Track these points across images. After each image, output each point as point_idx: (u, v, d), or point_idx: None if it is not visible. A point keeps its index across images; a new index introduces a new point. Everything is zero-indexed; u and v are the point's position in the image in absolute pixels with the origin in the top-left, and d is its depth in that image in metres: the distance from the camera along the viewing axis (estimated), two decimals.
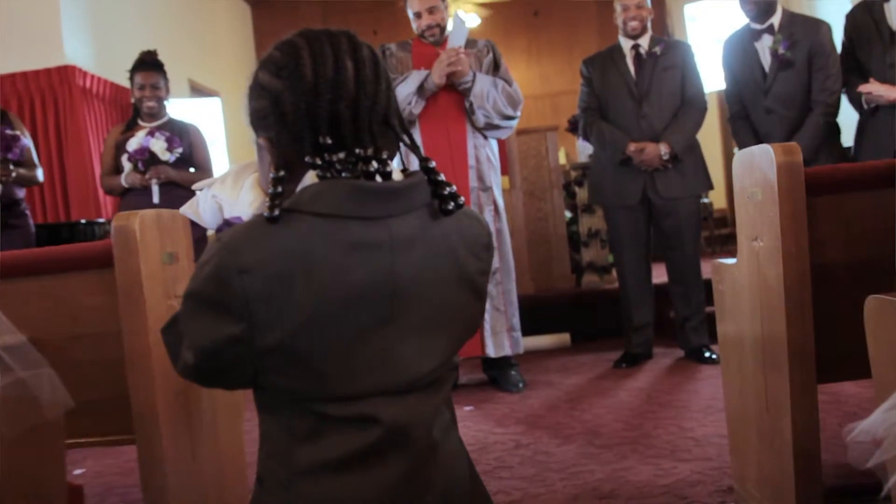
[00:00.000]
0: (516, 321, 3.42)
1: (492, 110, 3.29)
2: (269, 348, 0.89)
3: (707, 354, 3.62)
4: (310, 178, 0.94)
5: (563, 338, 4.38)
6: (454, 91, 3.32)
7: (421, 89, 3.27)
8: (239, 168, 1.25)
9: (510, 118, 3.36)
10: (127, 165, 3.51)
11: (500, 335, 3.34)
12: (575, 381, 3.49)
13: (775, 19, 3.33)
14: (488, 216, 3.36)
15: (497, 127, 3.35)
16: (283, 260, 0.87)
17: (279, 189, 0.90)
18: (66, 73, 5.38)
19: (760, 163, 1.60)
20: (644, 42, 3.61)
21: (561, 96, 9.69)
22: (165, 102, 3.69)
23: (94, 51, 5.75)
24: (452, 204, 0.97)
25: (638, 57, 3.59)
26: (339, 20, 9.09)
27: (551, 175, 4.73)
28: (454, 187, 0.99)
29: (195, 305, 0.91)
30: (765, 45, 3.34)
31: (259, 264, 0.87)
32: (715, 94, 6.60)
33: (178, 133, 3.60)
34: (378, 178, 0.93)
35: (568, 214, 4.87)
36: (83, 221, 4.65)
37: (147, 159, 3.46)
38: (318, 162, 0.91)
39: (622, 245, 3.71)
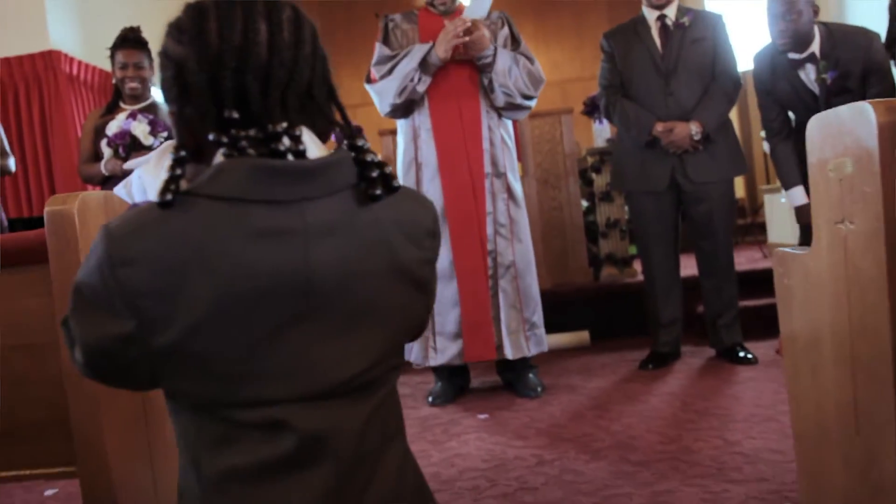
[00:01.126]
0: (538, 317, 3.11)
1: (513, 88, 2.98)
2: (165, 349, 0.79)
3: (742, 354, 3.31)
4: (220, 159, 0.83)
5: (582, 336, 4.07)
6: (466, 65, 3.01)
7: (424, 64, 2.96)
8: (165, 146, 1.07)
9: (530, 98, 3.05)
10: (107, 151, 3.20)
11: (517, 335, 3.04)
12: (599, 385, 3.18)
13: (815, 46, 2.98)
14: (501, 204, 3.04)
15: (517, 107, 3.04)
16: (175, 250, 0.78)
17: (177, 171, 0.80)
18: (51, 59, 5.11)
19: (853, 126, 1.29)
20: (671, 12, 3.28)
21: (570, 84, 9.38)
22: (151, 84, 3.39)
23: (82, 36, 5.46)
24: (381, 189, 0.86)
25: (664, 29, 3.26)
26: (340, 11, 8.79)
27: (566, 161, 4.40)
28: (388, 168, 0.87)
29: (80, 299, 0.83)
30: (810, 75, 3.01)
31: (146, 255, 0.78)
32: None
33: (164, 117, 3.29)
34: (290, 158, 0.82)
35: (584, 203, 4.55)
36: None
37: (128, 144, 3.15)
38: (223, 140, 0.81)
39: (648, 234, 3.39)
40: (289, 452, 0.82)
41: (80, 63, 5.29)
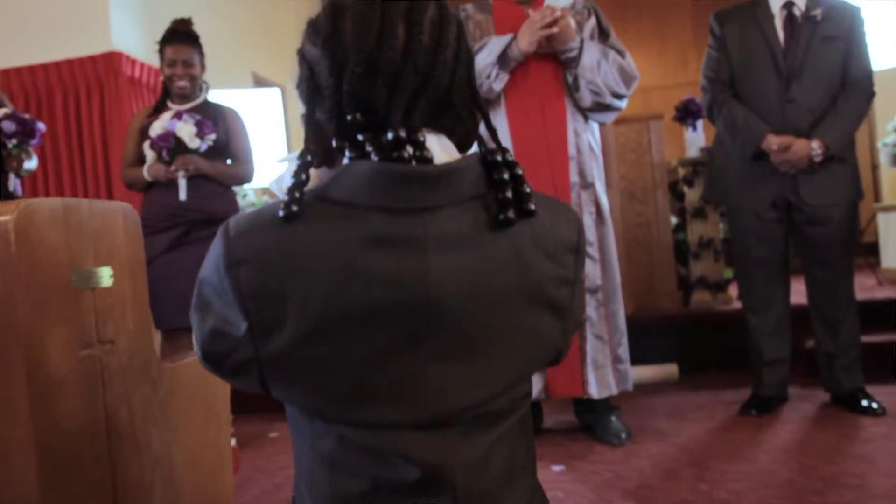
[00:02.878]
0: (623, 350, 2.70)
1: (602, 86, 2.58)
2: (274, 356, 0.76)
3: (865, 403, 2.80)
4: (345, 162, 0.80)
5: (670, 369, 3.61)
6: (548, 60, 2.63)
7: (503, 59, 2.59)
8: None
9: (621, 97, 2.65)
10: (149, 154, 2.94)
11: (604, 370, 2.63)
12: (693, 433, 2.73)
13: None
14: (588, 220, 2.65)
15: (607, 107, 2.64)
16: (288, 253, 0.75)
17: (302, 177, 0.76)
18: (111, 60, 4.94)
19: None
20: (800, 0, 2.81)
21: (652, 92, 8.89)
22: (202, 82, 3.12)
23: (144, 37, 5.30)
24: (513, 212, 0.78)
25: (790, 20, 2.77)
26: None
27: (655, 172, 3.95)
28: (527, 188, 0.79)
29: (200, 295, 0.81)
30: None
31: (258, 256, 0.75)
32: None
33: (213, 117, 3.01)
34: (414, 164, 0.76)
35: (674, 220, 4.08)
36: None
37: (172, 147, 2.88)
38: (346, 144, 0.79)
39: (750, 257, 2.92)
40: (403, 482, 0.78)
41: (141, 65, 5.13)
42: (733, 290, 4.09)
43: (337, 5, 0.81)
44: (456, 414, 0.78)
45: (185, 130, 2.88)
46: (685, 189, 4.01)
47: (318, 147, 0.83)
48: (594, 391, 2.60)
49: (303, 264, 0.74)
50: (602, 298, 2.64)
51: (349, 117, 0.78)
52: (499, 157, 0.79)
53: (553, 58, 2.62)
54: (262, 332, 0.76)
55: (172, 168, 2.89)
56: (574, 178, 2.64)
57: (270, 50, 7.25)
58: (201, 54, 3.10)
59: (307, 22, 0.85)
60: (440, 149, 0.80)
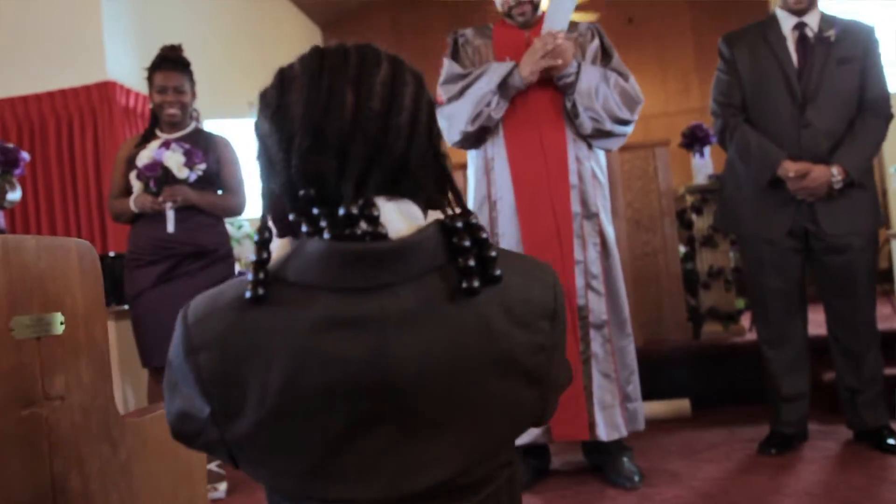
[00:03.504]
0: (634, 388, 2.56)
1: (602, 112, 2.46)
2: (238, 440, 0.75)
3: (892, 441, 2.65)
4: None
5: (681, 405, 3.46)
6: (549, 86, 2.52)
7: (504, 86, 2.48)
8: None
9: (625, 122, 2.52)
10: (136, 185, 2.82)
11: (612, 410, 2.48)
12: (710, 474, 2.57)
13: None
14: (593, 251, 2.51)
15: (608, 134, 2.52)
16: (245, 338, 0.73)
17: (263, 255, 0.75)
18: (106, 90, 4.86)
19: None
20: (812, 21, 2.68)
21: (653, 120, 8.81)
22: (192, 111, 3.02)
23: (139, 66, 5.20)
24: (477, 281, 0.74)
25: (803, 41, 2.66)
26: (412, 40, 8.48)
27: (662, 200, 3.83)
28: (492, 252, 0.76)
29: (168, 374, 0.79)
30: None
31: (217, 341, 0.74)
32: None
33: (204, 146, 2.90)
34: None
35: (682, 249, 3.95)
36: (111, 255, 4.03)
37: (160, 177, 2.77)
38: (302, 219, 0.76)
39: (766, 288, 2.78)
40: None
41: (136, 94, 5.05)
42: (745, 321, 3.95)
43: (285, 76, 0.79)
44: (424, 491, 0.76)
45: (174, 160, 2.77)
46: (693, 217, 3.88)
47: (277, 221, 0.80)
48: (602, 433, 2.45)
49: (260, 348, 0.72)
50: (608, 334, 2.50)
51: (301, 192, 0.75)
52: (459, 223, 0.75)
53: (552, 84, 2.51)
54: (224, 415, 0.75)
55: (160, 199, 2.78)
56: (576, 207, 2.51)
57: (267, 79, 7.18)
58: (192, 81, 3.01)
59: (259, 94, 0.83)
60: (400, 217, 0.77)
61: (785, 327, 2.78)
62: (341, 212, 0.73)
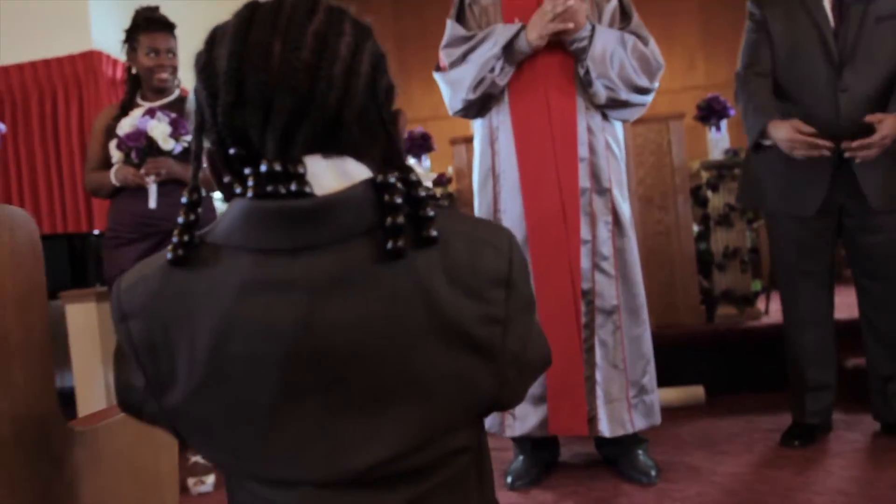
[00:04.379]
0: (649, 379, 2.37)
1: (618, 79, 2.26)
2: (172, 411, 0.72)
3: None
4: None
5: (695, 392, 3.29)
6: (558, 50, 2.31)
7: (510, 50, 2.28)
8: None
9: (644, 91, 2.32)
10: (116, 155, 2.62)
11: (618, 404, 2.30)
12: (731, 469, 2.41)
13: None
14: (603, 230, 2.32)
15: (624, 104, 2.32)
16: (173, 304, 0.70)
17: (190, 217, 0.72)
18: (91, 60, 4.65)
19: None
20: None
21: (658, 96, 8.54)
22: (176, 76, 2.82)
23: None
24: (402, 241, 0.68)
25: (840, 0, 2.48)
26: (412, 11, 8.23)
27: (675, 177, 3.63)
28: (430, 213, 0.70)
29: (116, 346, 0.76)
30: None
31: (145, 309, 0.72)
32: None
33: (187, 116, 2.70)
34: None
35: (696, 228, 3.76)
36: (95, 233, 3.84)
37: (143, 148, 2.57)
38: (231, 180, 0.74)
39: (794, 271, 2.60)
40: None
41: (123, 65, 4.82)
42: (761, 304, 3.78)
43: (216, 32, 0.75)
44: (364, 471, 0.71)
45: (159, 130, 2.57)
46: (709, 194, 3.69)
47: (217, 182, 0.77)
48: (604, 429, 2.27)
49: (187, 314, 0.69)
50: (619, 321, 2.31)
51: (232, 151, 0.72)
52: (391, 179, 0.70)
53: (562, 47, 2.30)
54: (158, 386, 0.72)
55: (142, 171, 2.58)
56: (585, 182, 2.31)
57: None
58: (176, 43, 2.81)
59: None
60: (333, 175, 0.71)
61: (813, 312, 2.59)
62: (263, 168, 0.69)
